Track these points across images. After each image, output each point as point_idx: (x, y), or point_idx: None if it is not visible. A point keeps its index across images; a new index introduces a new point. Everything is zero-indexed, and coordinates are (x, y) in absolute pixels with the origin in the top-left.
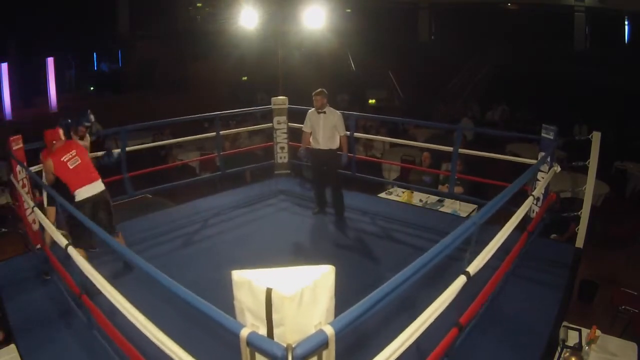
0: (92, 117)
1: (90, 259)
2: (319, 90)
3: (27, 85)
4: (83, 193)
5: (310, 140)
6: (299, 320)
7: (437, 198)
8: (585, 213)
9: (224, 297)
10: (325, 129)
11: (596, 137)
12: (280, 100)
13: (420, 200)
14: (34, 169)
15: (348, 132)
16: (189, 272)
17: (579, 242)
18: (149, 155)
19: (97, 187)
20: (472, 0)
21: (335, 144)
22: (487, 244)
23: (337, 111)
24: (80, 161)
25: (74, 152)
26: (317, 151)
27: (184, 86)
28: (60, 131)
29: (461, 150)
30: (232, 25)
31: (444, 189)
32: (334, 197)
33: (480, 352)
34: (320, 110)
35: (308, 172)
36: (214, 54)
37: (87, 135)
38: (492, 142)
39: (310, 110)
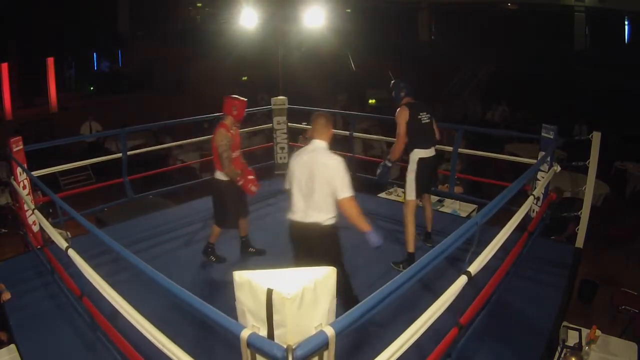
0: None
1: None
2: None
3: (27, 85)
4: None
5: None
6: (300, 321)
7: (437, 198)
8: (585, 213)
9: (224, 297)
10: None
11: (596, 137)
12: (280, 101)
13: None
14: (36, 173)
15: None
16: (189, 272)
17: (579, 242)
18: (149, 155)
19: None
20: (472, 0)
21: (325, 213)
22: (487, 244)
23: (336, 157)
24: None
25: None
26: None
27: (184, 86)
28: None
29: (461, 150)
30: (232, 25)
31: (443, 188)
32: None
33: (480, 352)
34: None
35: None
36: (214, 54)
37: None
38: (490, 142)
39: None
